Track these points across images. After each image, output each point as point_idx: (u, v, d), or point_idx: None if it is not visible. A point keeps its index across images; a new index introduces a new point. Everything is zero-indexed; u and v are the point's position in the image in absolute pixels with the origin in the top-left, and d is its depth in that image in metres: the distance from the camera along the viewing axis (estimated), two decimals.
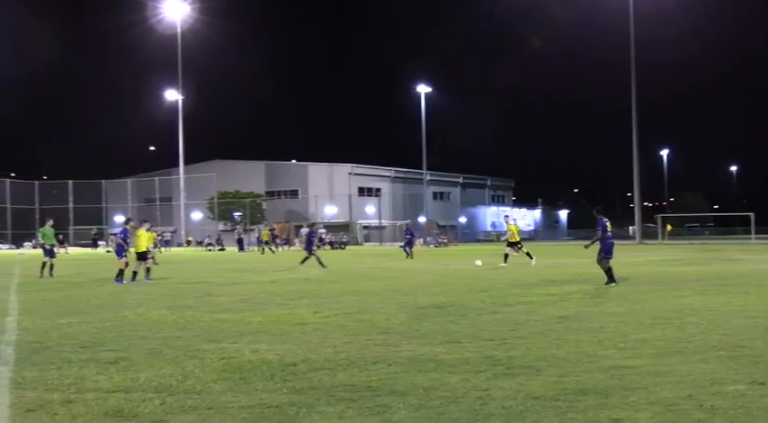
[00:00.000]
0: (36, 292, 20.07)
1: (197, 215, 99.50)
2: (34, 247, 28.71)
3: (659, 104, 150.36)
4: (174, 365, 8.44)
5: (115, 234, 25.89)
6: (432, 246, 75.13)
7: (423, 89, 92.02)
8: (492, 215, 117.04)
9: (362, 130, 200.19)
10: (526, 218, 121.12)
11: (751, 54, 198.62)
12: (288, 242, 71.34)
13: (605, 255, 18.54)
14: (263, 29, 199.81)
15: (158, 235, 49.35)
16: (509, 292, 17.01)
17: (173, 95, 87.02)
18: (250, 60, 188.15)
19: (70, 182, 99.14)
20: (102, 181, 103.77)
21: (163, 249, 57.04)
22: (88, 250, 69.96)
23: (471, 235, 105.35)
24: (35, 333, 11.38)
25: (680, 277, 21.51)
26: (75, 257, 51.09)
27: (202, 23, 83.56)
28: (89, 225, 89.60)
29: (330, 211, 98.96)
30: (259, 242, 59.60)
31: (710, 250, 45.03)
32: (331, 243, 69.01)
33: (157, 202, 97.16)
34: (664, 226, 78.50)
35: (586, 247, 20.49)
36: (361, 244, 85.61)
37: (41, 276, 25.48)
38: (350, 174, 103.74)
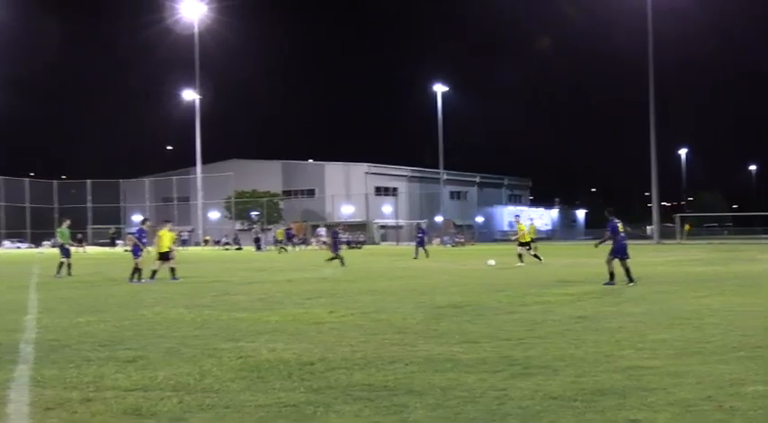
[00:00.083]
0: (55, 290, 20.18)
1: (214, 214, 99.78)
2: (53, 247, 28.81)
3: (678, 103, 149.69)
4: (192, 364, 8.47)
5: (132, 233, 25.94)
6: (448, 245, 75.01)
7: (439, 88, 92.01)
8: (509, 215, 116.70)
9: (379, 129, 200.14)
10: (543, 217, 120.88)
11: None
12: (305, 241, 71.44)
13: (621, 255, 18.48)
14: (279, 28, 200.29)
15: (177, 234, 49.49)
16: (526, 292, 16.96)
17: (190, 95, 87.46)
18: (266, 59, 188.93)
19: (88, 181, 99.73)
20: (120, 180, 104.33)
21: (179, 249, 57.20)
22: (106, 249, 70.31)
23: (488, 235, 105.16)
24: (54, 331, 11.44)
25: (698, 277, 21.40)
26: (94, 256, 51.33)
27: (219, 23, 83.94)
28: (107, 224, 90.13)
29: (347, 211, 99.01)
30: (275, 242, 59.72)
31: (729, 250, 44.75)
32: (348, 242, 69.03)
33: (175, 202, 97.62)
34: (682, 226, 78.06)
35: (596, 246, 20.44)
36: (377, 243, 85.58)
37: (58, 276, 25.57)
38: (366, 173, 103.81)
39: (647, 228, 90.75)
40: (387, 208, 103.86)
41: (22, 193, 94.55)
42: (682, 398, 6.62)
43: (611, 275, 18.37)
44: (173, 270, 23.15)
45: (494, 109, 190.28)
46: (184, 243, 73.46)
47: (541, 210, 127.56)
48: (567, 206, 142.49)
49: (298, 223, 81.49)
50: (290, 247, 61.78)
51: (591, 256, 20.27)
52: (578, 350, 9.08)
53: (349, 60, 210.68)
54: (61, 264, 26.28)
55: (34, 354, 9.39)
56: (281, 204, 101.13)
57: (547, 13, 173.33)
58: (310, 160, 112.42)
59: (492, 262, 29.01)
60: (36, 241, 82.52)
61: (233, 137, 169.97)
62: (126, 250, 26.35)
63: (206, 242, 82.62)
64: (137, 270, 22.75)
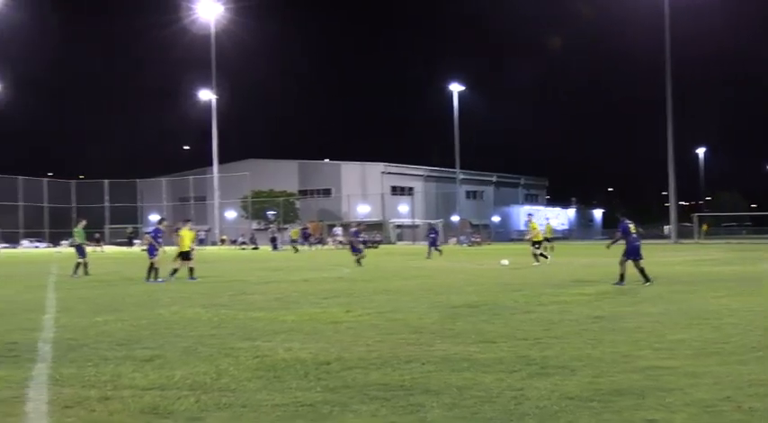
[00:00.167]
0: (73, 289, 20.29)
1: (231, 214, 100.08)
2: (70, 246, 29.03)
3: (695, 101, 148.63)
4: (209, 363, 8.49)
5: (148, 233, 26.04)
6: (464, 245, 74.95)
7: (455, 88, 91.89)
8: (525, 214, 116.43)
9: (395, 128, 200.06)
10: (560, 217, 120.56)
11: None
12: (321, 241, 71.52)
13: (635, 257, 18.44)
14: (292, 27, 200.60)
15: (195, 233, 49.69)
16: (543, 292, 16.92)
17: (206, 95, 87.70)
18: (280, 59, 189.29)
19: (106, 181, 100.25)
20: (137, 180, 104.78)
21: (197, 248, 57.39)
22: (124, 249, 70.61)
23: (504, 234, 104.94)
24: (72, 330, 11.50)
25: (717, 277, 21.29)
26: (111, 256, 51.58)
27: (235, 23, 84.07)
28: (125, 224, 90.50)
29: (363, 211, 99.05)
30: (291, 241, 59.83)
31: (748, 250, 44.50)
32: (364, 242, 68.95)
33: (192, 201, 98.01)
34: (700, 225, 77.72)
35: (608, 247, 20.39)
36: (393, 243, 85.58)
37: (75, 275, 25.62)
38: (382, 173, 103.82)
39: (665, 227, 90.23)
40: (403, 207, 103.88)
41: (41, 193, 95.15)
42: (700, 398, 6.59)
43: (622, 276, 18.32)
44: (191, 270, 23.20)
45: (510, 108, 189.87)
46: (201, 242, 73.71)
47: (558, 209, 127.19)
48: (584, 206, 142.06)
49: (314, 223, 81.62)
50: (306, 247, 61.89)
51: (608, 256, 20.18)
52: (595, 350, 9.05)
53: (363, 59, 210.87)
54: (78, 264, 26.38)
55: (52, 352, 9.44)
56: (298, 204, 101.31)
57: (561, 11, 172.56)
58: (326, 160, 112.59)
59: (505, 262, 28.90)
60: (54, 241, 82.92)
61: (249, 137, 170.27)
62: (143, 250, 26.43)
63: (222, 242, 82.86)
64: (153, 269, 22.84)
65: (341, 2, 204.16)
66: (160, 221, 26.00)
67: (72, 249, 28.63)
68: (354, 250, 31.97)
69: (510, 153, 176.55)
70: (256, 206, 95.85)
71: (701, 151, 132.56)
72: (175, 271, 23.06)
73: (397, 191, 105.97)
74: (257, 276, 25.09)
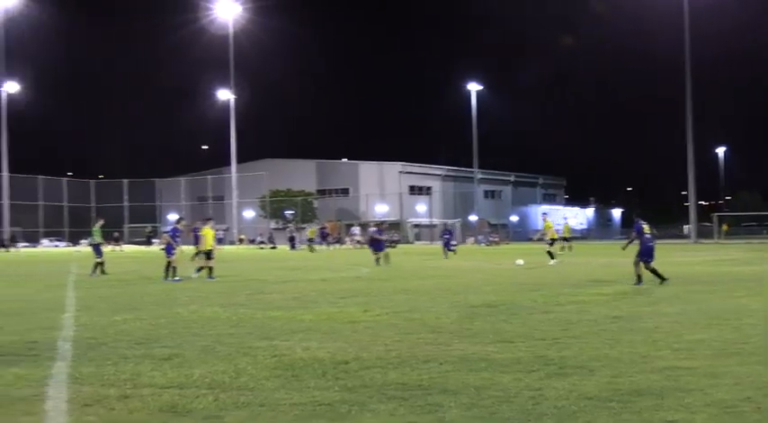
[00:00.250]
0: (92, 288, 20.40)
1: (249, 213, 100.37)
2: (89, 245, 29.19)
3: (715, 100, 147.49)
4: (227, 362, 8.51)
5: (167, 232, 26.14)
6: (483, 244, 74.84)
7: (473, 87, 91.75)
8: (540, 214, 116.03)
9: (412, 128, 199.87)
10: (578, 217, 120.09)
11: None
12: (339, 241, 71.60)
13: (646, 258, 18.38)
14: (310, 27, 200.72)
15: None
16: (561, 292, 16.87)
17: (225, 95, 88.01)
18: (297, 59, 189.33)
19: (125, 181, 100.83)
20: (156, 180, 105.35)
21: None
22: (142, 248, 70.93)
23: (522, 234, 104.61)
24: (92, 329, 11.56)
25: (736, 277, 21.15)
26: (130, 255, 51.82)
27: (254, 23, 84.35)
28: (143, 223, 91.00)
29: (381, 210, 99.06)
30: (308, 240, 59.95)
31: None
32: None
33: (210, 201, 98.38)
34: (720, 225, 77.27)
35: (623, 248, 20.32)
36: (411, 243, 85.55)
37: (94, 275, 25.68)
38: (400, 172, 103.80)
39: (684, 227, 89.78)
40: (421, 207, 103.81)
41: (61, 193, 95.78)
42: (720, 399, 6.55)
43: (639, 277, 18.24)
44: (210, 269, 23.29)
45: (528, 108, 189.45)
46: (219, 242, 73.83)
47: (576, 209, 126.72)
48: (603, 205, 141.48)
49: (332, 222, 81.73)
50: (324, 246, 61.96)
51: (625, 257, 20.09)
52: (614, 350, 9.02)
53: (380, 59, 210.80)
54: (96, 263, 26.48)
55: (72, 351, 9.49)
56: (316, 203, 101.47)
57: (578, 9, 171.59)
58: (344, 159, 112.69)
59: (520, 261, 28.78)
60: (74, 240, 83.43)
61: (267, 136, 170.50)
62: (161, 249, 26.57)
63: (241, 241, 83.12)
64: (171, 268, 22.93)
65: (358, 2, 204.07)
66: (178, 221, 26.10)
67: (90, 249, 28.74)
68: (377, 248, 31.81)
69: (528, 152, 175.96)
70: (274, 206, 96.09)
71: (720, 150, 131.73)
72: (201, 269, 23.16)
73: (415, 190, 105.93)
74: (275, 276, 25.14)
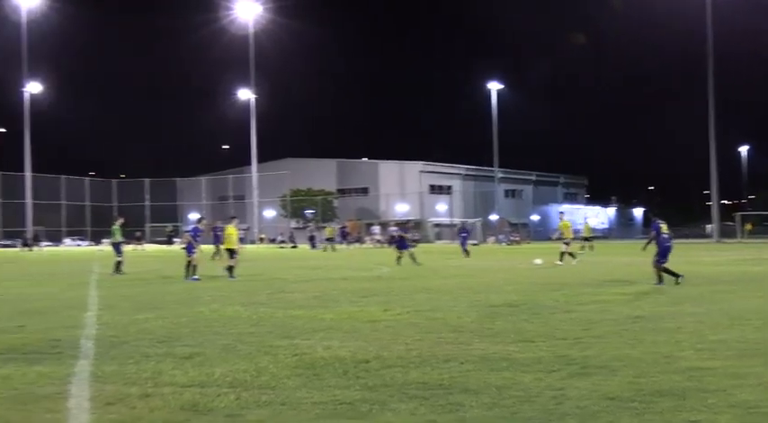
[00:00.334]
0: (114, 287, 20.51)
1: (270, 213, 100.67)
2: (110, 244, 29.36)
3: (738, 98, 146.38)
4: (248, 361, 8.53)
5: (188, 231, 26.26)
6: (503, 244, 74.68)
7: (494, 86, 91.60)
8: (566, 213, 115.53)
9: (432, 127, 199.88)
10: (600, 216, 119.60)
11: None
12: (359, 240, 71.66)
13: (660, 257, 18.29)
14: (331, 27, 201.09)
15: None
16: (582, 291, 16.80)
17: (245, 94, 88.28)
18: (320, 59, 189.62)
19: (146, 180, 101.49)
20: (177, 179, 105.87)
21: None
22: (164, 247, 71.26)
23: (543, 233, 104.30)
24: (114, 328, 11.62)
25: (760, 277, 21.00)
26: (151, 254, 52.07)
27: (274, 23, 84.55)
28: (164, 222, 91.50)
29: (401, 209, 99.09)
30: (326, 240, 60.05)
31: None
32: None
33: (231, 200, 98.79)
34: (743, 224, 76.70)
35: (643, 248, 20.20)
36: (432, 242, 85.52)
37: (116, 274, 25.75)
38: (421, 171, 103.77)
39: (707, 226, 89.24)
40: (441, 206, 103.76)
41: (83, 192, 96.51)
42: (743, 399, 6.50)
43: (660, 277, 18.15)
44: (231, 268, 23.34)
45: (549, 107, 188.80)
46: (240, 241, 74.17)
47: (597, 208, 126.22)
48: (624, 205, 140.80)
49: (352, 221, 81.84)
50: (344, 246, 62.03)
51: (646, 256, 19.97)
52: (636, 350, 8.97)
53: (400, 58, 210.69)
54: (117, 262, 26.55)
55: (94, 350, 9.54)
56: (336, 203, 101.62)
57: (598, 5, 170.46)
58: (364, 159, 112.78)
59: (538, 261, 28.65)
60: (96, 239, 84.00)
61: (287, 136, 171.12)
62: (182, 248, 26.67)
63: (261, 240, 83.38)
64: (191, 267, 23.01)
65: (378, 1, 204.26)
66: (199, 220, 26.18)
67: (111, 248, 28.87)
68: (401, 246, 31.74)
69: (549, 151, 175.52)
70: (295, 205, 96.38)
71: (743, 149, 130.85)
72: (231, 268, 23.23)
73: (436, 189, 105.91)
74: (296, 275, 25.19)
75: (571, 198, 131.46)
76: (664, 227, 18.62)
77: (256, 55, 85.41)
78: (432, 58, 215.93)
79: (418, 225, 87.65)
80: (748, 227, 79.31)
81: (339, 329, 11.11)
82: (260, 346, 9.63)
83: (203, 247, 24.46)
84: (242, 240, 24.99)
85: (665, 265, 18.31)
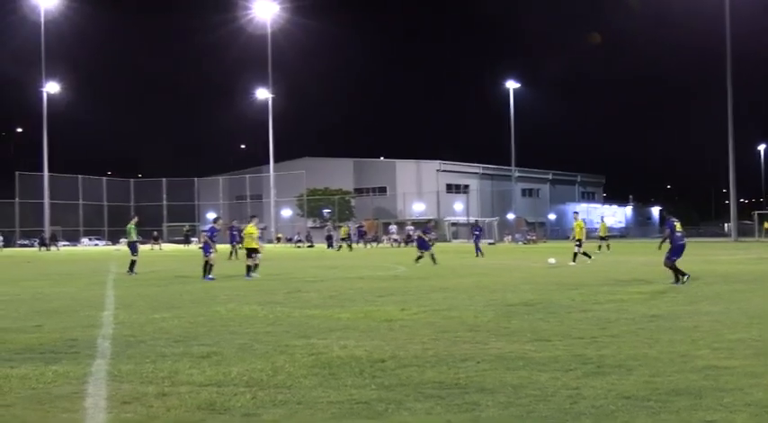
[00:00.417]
0: (131, 287, 20.59)
1: (287, 212, 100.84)
2: (127, 243, 29.48)
3: (756, 98, 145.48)
4: (265, 360, 8.55)
5: (204, 231, 26.34)
6: (520, 243, 74.51)
7: (511, 85, 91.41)
8: (582, 212, 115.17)
9: (449, 126, 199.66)
10: (617, 215, 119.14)
11: None
12: (376, 239, 71.67)
13: (673, 256, 18.22)
14: (349, 27, 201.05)
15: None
16: (599, 290, 16.76)
17: (263, 94, 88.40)
18: (337, 58, 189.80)
19: (164, 180, 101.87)
20: (195, 179, 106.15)
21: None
22: (181, 247, 71.48)
23: (561, 232, 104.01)
24: (131, 327, 11.67)
25: None
26: (169, 253, 52.26)
27: (291, 23, 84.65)
28: (182, 222, 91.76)
29: (418, 208, 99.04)
30: (342, 240, 60.08)
31: None
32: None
33: (248, 200, 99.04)
34: (761, 223, 76.23)
35: (659, 247, 20.11)
36: (449, 241, 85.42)
37: (132, 273, 25.79)
38: (438, 171, 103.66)
39: (725, 225, 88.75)
40: (458, 205, 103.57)
41: (100, 192, 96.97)
42: (760, 398, 6.47)
43: (676, 276, 18.08)
44: (248, 267, 23.41)
45: (567, 106, 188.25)
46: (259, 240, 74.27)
47: (615, 207, 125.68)
48: (641, 204, 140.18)
49: (369, 221, 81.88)
50: (361, 245, 62.05)
51: (663, 255, 19.87)
52: (652, 349, 8.93)
53: (417, 58, 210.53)
54: (132, 261, 26.57)
55: (111, 349, 9.59)
56: (353, 202, 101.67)
57: (615, 3, 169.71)
58: (381, 158, 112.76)
59: (553, 260, 28.44)
60: (113, 238, 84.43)
61: (304, 135, 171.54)
62: (199, 247, 26.76)
63: (278, 239, 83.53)
64: (208, 266, 23.08)
65: (395, 1, 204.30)
66: (215, 220, 26.24)
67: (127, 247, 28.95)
68: (422, 246, 31.65)
69: (566, 150, 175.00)
70: (312, 204, 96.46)
71: (761, 148, 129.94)
72: (256, 267, 23.31)
73: (453, 189, 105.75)
74: (312, 274, 25.23)
75: (588, 197, 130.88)
76: (678, 225, 18.57)
77: (274, 54, 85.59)
78: (449, 57, 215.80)
79: (435, 224, 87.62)
80: (766, 225, 78.79)
81: (355, 329, 11.12)
82: (276, 345, 9.65)
83: (218, 246, 24.49)
84: (260, 239, 24.97)
85: (676, 265, 18.24)
